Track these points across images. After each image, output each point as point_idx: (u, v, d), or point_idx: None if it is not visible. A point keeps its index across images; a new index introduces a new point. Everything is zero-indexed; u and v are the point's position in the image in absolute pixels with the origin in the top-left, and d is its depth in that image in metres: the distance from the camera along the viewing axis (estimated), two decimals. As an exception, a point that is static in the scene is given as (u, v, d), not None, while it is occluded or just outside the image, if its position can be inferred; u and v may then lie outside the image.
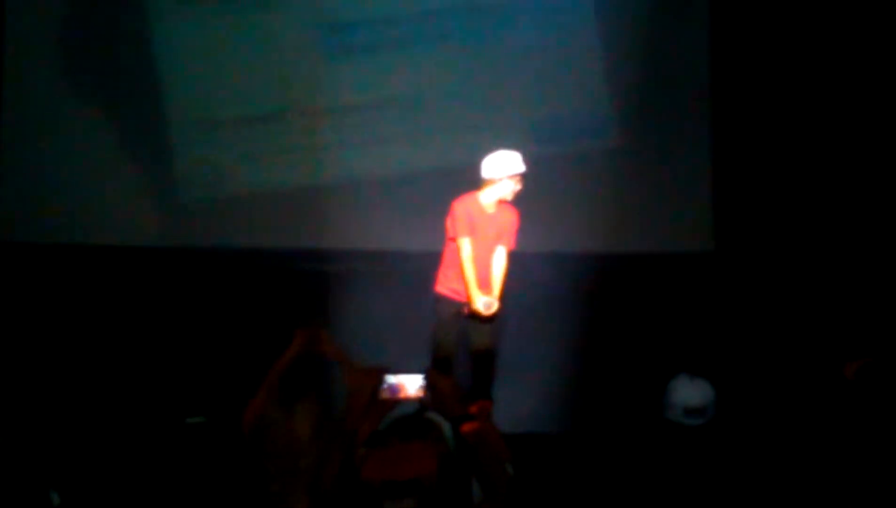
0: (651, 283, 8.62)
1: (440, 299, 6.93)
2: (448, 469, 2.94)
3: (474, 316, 6.86)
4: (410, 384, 3.51)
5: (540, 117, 8.88)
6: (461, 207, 6.79)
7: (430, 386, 3.50)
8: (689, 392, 3.95)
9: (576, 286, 8.23)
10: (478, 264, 6.82)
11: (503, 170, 6.77)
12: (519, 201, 6.90)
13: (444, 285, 6.93)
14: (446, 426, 3.29)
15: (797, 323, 8.32)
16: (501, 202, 6.85)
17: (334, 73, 8.90)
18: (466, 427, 3.31)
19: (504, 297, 6.97)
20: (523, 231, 6.97)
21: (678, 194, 8.95)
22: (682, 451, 3.97)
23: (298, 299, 8.38)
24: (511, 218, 6.90)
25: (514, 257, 6.98)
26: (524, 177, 6.80)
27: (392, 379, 3.50)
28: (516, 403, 6.95)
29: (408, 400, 3.50)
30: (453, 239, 6.82)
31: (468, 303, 6.83)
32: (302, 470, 3.51)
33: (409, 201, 8.53)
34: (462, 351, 7.12)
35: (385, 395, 3.48)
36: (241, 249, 8.83)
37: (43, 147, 8.83)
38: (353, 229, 8.63)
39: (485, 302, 6.78)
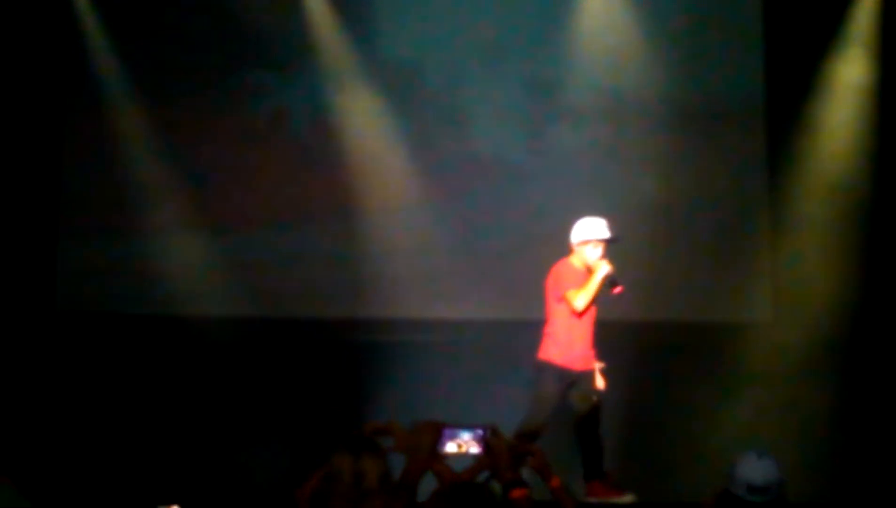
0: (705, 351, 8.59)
1: (547, 368, 6.79)
2: None
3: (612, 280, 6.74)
4: (469, 440, 3.50)
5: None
6: (565, 267, 6.82)
7: (486, 447, 3.48)
8: (754, 471, 3.90)
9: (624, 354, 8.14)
10: (586, 327, 6.81)
11: (589, 234, 6.81)
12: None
13: (554, 353, 6.80)
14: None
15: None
16: (589, 269, 6.84)
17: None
18: (516, 493, 3.32)
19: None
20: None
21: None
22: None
23: (349, 370, 8.56)
24: None
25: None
26: (608, 243, 6.84)
27: (451, 434, 3.50)
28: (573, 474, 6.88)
29: (466, 457, 3.50)
30: (562, 299, 6.77)
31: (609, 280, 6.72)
32: None
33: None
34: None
35: (444, 450, 3.48)
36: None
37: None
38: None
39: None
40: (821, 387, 8.30)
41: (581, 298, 6.68)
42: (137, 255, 8.87)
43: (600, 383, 6.97)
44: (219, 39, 9.04)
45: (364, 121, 8.89)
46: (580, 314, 6.73)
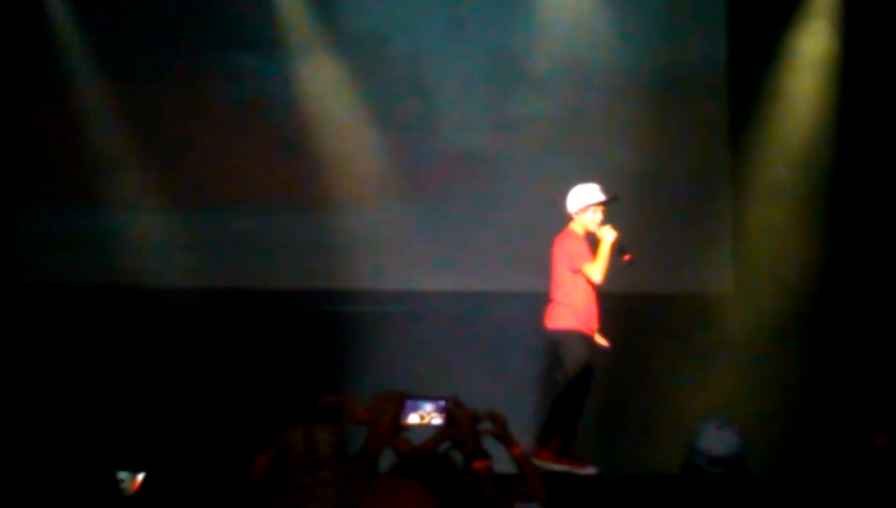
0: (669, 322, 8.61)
1: (574, 336, 6.84)
2: None
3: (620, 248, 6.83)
4: (431, 412, 3.50)
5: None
6: (572, 237, 6.86)
7: (449, 418, 3.48)
8: (714, 442, 3.83)
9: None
10: (595, 294, 6.88)
11: (586, 200, 6.83)
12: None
13: (575, 321, 6.84)
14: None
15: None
16: (589, 234, 6.91)
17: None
18: (478, 465, 3.35)
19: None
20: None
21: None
22: (703, 497, 3.88)
23: (314, 342, 8.54)
24: None
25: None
26: (605, 205, 6.88)
27: (413, 405, 3.49)
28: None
29: (428, 428, 3.51)
30: (578, 271, 6.79)
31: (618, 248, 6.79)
32: (322, 481, 3.48)
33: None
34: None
35: (406, 421, 3.48)
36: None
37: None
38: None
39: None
40: (786, 357, 8.37)
41: (597, 271, 6.77)
42: (100, 227, 8.80)
43: (603, 342, 7.03)
44: (185, 14, 8.97)
45: (328, 92, 8.83)
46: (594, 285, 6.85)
